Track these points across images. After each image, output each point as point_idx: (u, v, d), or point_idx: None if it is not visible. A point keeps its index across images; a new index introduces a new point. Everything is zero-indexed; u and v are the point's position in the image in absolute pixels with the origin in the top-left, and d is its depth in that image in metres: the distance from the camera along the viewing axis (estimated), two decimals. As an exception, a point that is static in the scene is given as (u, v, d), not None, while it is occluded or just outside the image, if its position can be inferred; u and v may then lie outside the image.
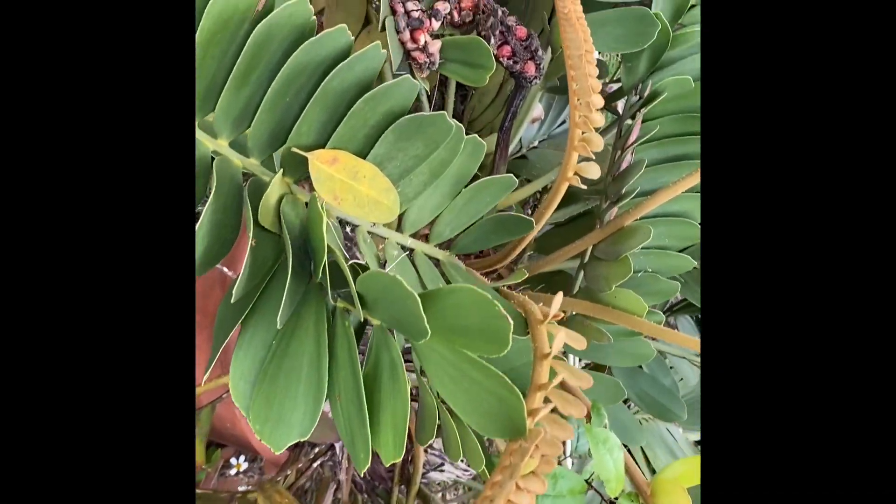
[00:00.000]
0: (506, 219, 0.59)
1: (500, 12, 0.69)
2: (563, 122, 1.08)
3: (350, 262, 0.45)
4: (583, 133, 0.58)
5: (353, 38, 0.43)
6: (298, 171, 0.46)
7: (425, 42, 0.66)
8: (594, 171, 0.60)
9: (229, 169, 0.44)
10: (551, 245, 0.88)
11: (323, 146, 0.46)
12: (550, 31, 0.85)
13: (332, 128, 0.45)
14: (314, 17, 0.41)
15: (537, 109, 1.03)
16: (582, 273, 0.83)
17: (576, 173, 0.62)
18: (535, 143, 1.03)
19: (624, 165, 0.77)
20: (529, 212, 1.07)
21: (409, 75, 0.46)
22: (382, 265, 0.50)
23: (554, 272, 0.82)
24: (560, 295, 0.52)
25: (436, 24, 0.68)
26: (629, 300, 0.75)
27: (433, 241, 0.57)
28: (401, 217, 0.54)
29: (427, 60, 0.67)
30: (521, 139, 1.02)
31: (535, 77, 0.70)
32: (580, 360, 0.96)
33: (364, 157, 0.47)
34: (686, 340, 0.67)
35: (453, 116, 0.93)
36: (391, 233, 0.54)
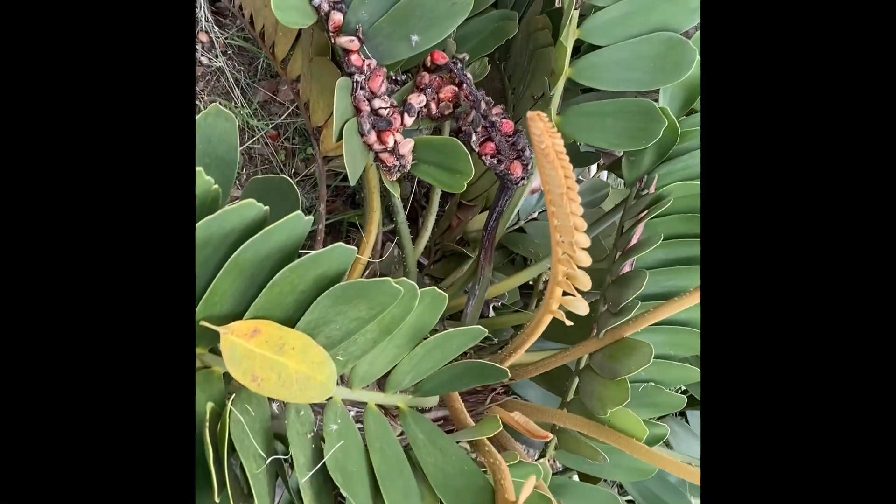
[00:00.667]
0: (476, 367, 0.51)
1: (483, 104, 0.61)
2: (567, 190, 0.99)
3: (270, 460, 0.37)
4: (566, 270, 0.49)
5: (266, 209, 0.35)
6: (215, 340, 0.38)
7: (395, 143, 0.58)
8: (582, 308, 0.52)
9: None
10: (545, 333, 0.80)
11: (241, 315, 0.38)
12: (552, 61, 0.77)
13: (252, 295, 0.37)
14: (215, 187, 0.34)
15: (536, 179, 0.94)
16: (577, 381, 0.75)
17: (561, 306, 0.54)
18: (535, 215, 0.95)
19: (625, 269, 0.68)
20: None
21: (341, 243, 0.38)
22: (320, 441, 0.42)
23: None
24: (532, 480, 0.44)
25: (409, 121, 0.60)
26: (628, 421, 0.67)
27: (390, 389, 0.49)
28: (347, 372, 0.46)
29: (397, 164, 0.59)
30: (518, 211, 0.94)
31: (522, 178, 0.62)
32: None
33: (294, 324, 0.39)
34: (688, 473, 0.59)
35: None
36: (337, 389, 0.46)
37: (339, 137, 0.52)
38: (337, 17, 0.56)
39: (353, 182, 0.53)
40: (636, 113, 0.61)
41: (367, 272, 0.81)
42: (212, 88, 0.93)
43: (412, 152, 0.60)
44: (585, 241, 0.47)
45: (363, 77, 0.56)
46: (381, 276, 0.85)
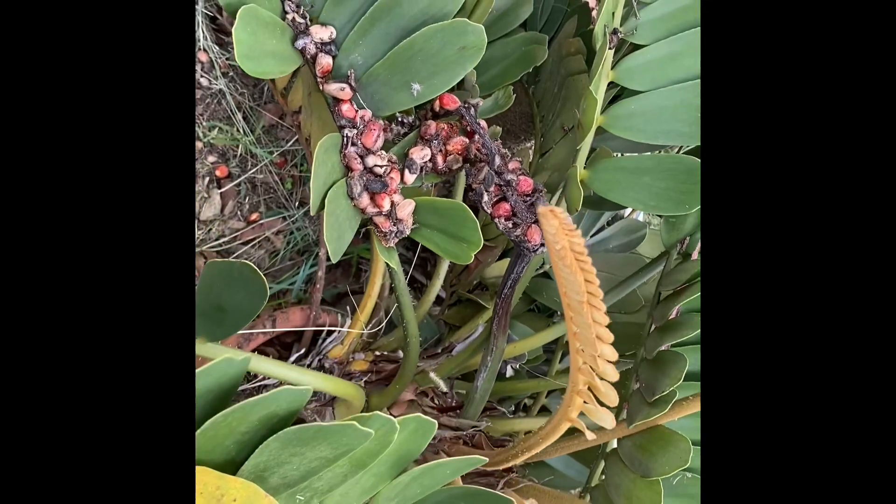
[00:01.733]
0: (477, 494, 0.42)
1: (497, 159, 0.52)
2: (599, 230, 0.90)
3: None
4: (588, 381, 0.41)
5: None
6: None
7: (392, 205, 0.50)
8: (607, 420, 0.43)
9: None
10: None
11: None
12: (581, 112, 0.68)
13: (184, 436, 0.29)
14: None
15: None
16: (602, 464, 0.66)
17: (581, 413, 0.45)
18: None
19: (663, 346, 0.59)
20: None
21: (287, 387, 0.30)
22: None
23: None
24: None
25: (410, 178, 0.52)
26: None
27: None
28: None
29: (394, 229, 0.50)
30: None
31: (541, 246, 0.53)
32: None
33: (236, 470, 0.32)
34: None
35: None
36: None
37: (320, 208, 0.44)
38: (325, 62, 0.48)
39: (334, 259, 0.45)
40: (679, 171, 0.52)
41: (369, 326, 0.73)
42: (212, 112, 0.86)
43: (412, 215, 0.51)
44: (612, 354, 0.38)
45: (355, 131, 0.48)
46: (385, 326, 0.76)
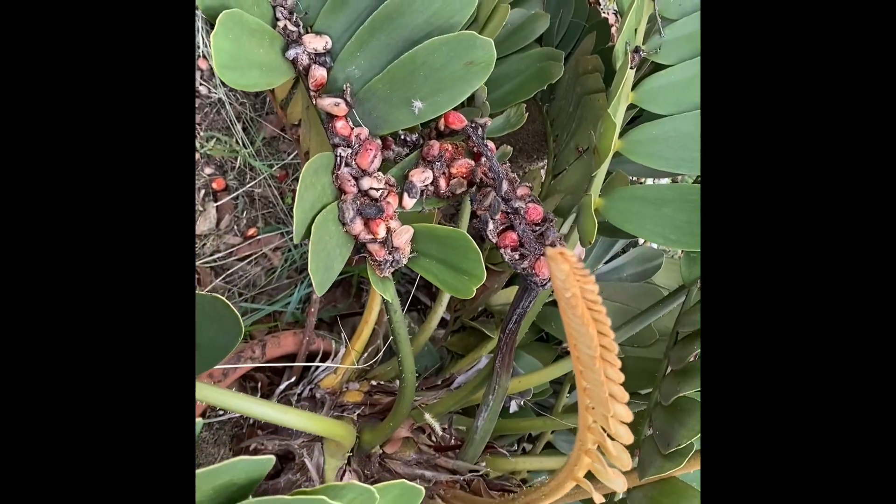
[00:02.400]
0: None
1: (504, 185, 0.48)
2: (613, 257, 0.85)
3: None
4: (598, 440, 0.36)
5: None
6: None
7: (388, 232, 0.46)
8: (618, 485, 0.38)
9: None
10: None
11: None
12: (598, 136, 0.64)
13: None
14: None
15: (577, 249, 0.80)
16: (609, 516, 0.61)
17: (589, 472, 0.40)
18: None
19: (692, 358, 0.54)
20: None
21: (244, 457, 0.25)
22: None
23: None
24: None
25: (410, 203, 0.48)
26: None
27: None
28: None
29: (389, 258, 0.46)
30: (553, 282, 0.80)
31: (550, 280, 0.49)
32: None
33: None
34: None
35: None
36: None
37: (305, 235, 0.40)
38: (319, 74, 0.43)
39: (320, 293, 0.40)
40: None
41: (364, 355, 0.69)
42: (211, 122, 0.82)
43: (410, 242, 0.47)
44: (626, 414, 0.33)
45: (350, 151, 0.44)
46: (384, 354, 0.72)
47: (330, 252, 0.42)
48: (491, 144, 0.50)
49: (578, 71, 0.79)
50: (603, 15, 0.91)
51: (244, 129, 0.85)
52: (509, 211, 0.48)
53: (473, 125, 0.50)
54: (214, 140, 0.82)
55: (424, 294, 0.98)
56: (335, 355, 0.69)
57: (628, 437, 0.34)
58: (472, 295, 0.46)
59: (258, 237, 0.87)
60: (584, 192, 0.52)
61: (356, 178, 0.45)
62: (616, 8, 1.14)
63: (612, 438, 0.35)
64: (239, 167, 0.85)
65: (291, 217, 0.91)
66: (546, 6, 0.86)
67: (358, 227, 0.45)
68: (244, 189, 0.86)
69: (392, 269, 0.47)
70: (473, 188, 0.50)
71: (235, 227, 0.87)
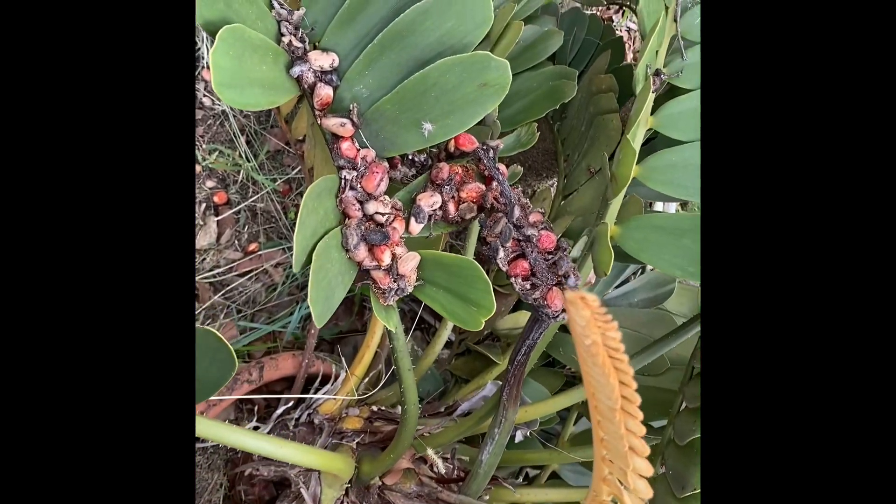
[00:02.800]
0: None
1: (516, 210, 0.46)
2: (624, 281, 0.82)
3: None
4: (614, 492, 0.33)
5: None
6: None
7: (393, 259, 0.43)
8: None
9: None
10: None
11: None
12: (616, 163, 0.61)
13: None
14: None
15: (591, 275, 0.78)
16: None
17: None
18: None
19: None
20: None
21: None
22: None
23: None
24: None
25: (417, 228, 0.45)
26: None
27: None
28: None
29: (394, 286, 0.44)
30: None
31: (563, 312, 0.46)
32: None
33: None
34: None
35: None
36: None
37: (306, 263, 0.37)
38: (325, 93, 0.41)
39: (319, 325, 0.38)
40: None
41: (365, 381, 0.66)
42: (214, 135, 0.81)
43: (416, 270, 0.45)
44: (647, 468, 0.31)
45: (355, 174, 0.42)
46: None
47: (331, 280, 0.40)
48: (503, 168, 0.48)
49: (592, 90, 0.77)
50: (618, 32, 0.89)
51: (248, 143, 0.83)
52: (521, 238, 0.46)
53: (485, 147, 0.48)
54: (217, 153, 0.80)
55: (429, 314, 0.95)
56: (335, 379, 0.66)
57: (647, 492, 0.32)
58: (479, 327, 0.43)
59: (259, 252, 0.85)
60: (597, 217, 0.50)
61: (361, 203, 0.43)
62: (629, 25, 1.12)
63: (633, 494, 0.33)
64: (241, 181, 0.83)
65: (294, 232, 0.89)
66: (559, 23, 0.85)
67: (362, 253, 0.42)
68: (246, 203, 0.84)
69: (396, 298, 0.44)
70: (483, 213, 0.48)
71: (236, 241, 0.85)
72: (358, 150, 0.42)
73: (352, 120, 0.42)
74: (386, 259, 0.43)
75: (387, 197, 0.44)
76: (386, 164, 0.43)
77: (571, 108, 0.83)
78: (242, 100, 0.36)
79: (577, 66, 0.85)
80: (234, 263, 0.84)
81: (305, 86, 0.41)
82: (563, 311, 0.46)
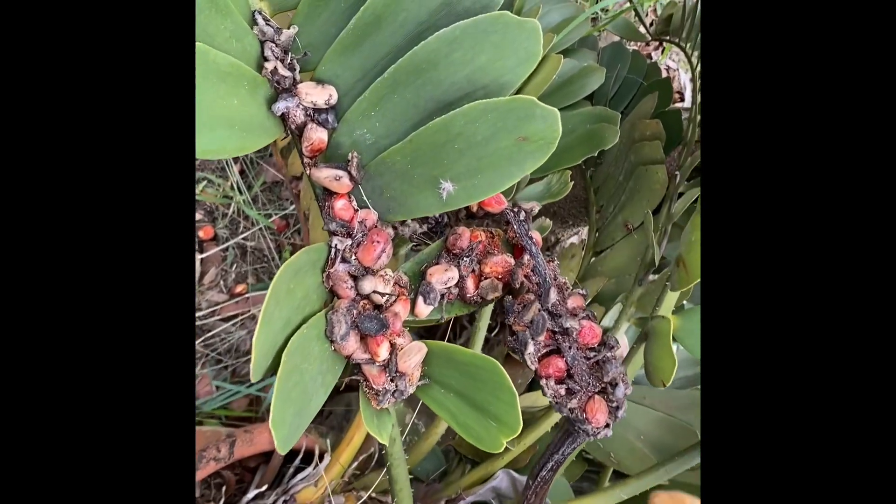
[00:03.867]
0: None
1: (552, 294, 0.36)
2: (658, 354, 0.72)
3: None
4: None
5: None
6: None
7: (391, 352, 0.34)
8: None
9: None
10: None
11: None
12: (665, 230, 0.52)
13: None
14: None
15: (622, 342, 0.68)
16: None
17: None
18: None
19: None
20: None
21: None
22: None
23: None
24: None
25: (424, 311, 0.36)
26: None
27: None
28: None
29: (390, 388, 0.34)
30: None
31: (607, 428, 0.36)
32: None
33: None
34: None
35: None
36: None
37: (270, 370, 0.28)
38: (317, 136, 0.32)
39: (283, 451, 0.28)
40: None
41: (356, 461, 0.56)
42: (202, 162, 0.71)
43: (421, 365, 0.35)
44: None
45: (350, 242, 0.32)
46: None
47: (308, 385, 0.30)
48: (536, 236, 0.39)
49: (634, 136, 0.68)
50: (664, 75, 0.80)
51: (241, 172, 0.74)
52: (557, 330, 0.36)
53: (516, 209, 0.39)
54: (205, 182, 0.70)
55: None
56: (320, 459, 0.56)
57: None
58: (499, 448, 0.33)
59: (247, 295, 0.75)
60: (652, 308, 0.40)
61: (356, 279, 0.33)
62: (669, 63, 1.03)
63: None
64: (231, 215, 0.74)
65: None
66: (600, 58, 0.76)
67: (351, 345, 0.33)
68: (236, 240, 0.74)
69: (393, 402, 0.34)
70: (509, 294, 0.38)
71: (222, 282, 0.75)
72: (356, 212, 0.33)
73: (350, 173, 0.32)
74: (382, 353, 0.33)
75: (389, 271, 0.34)
76: (390, 230, 0.34)
77: (608, 154, 0.74)
78: (202, 145, 0.26)
79: (615, 106, 0.76)
80: (218, 307, 0.74)
81: (293, 126, 0.32)
82: (607, 426, 0.36)
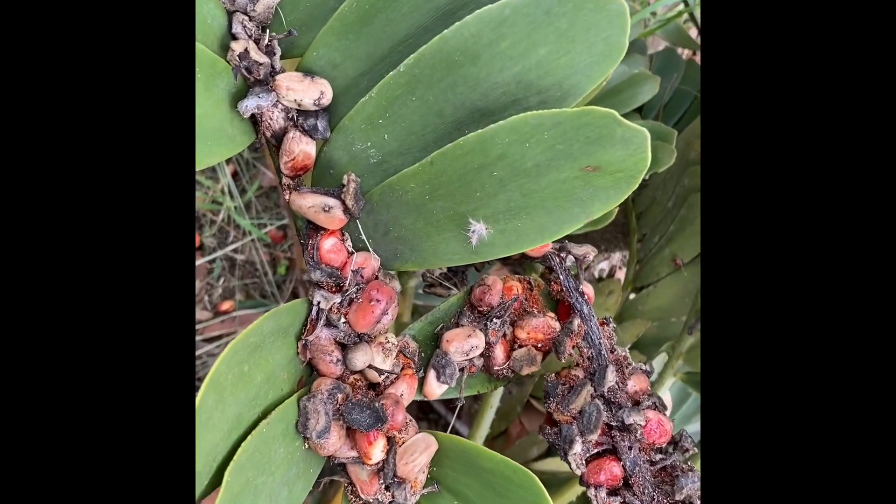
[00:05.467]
0: None
1: (609, 375, 0.27)
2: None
3: None
4: None
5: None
6: None
7: (388, 450, 0.24)
8: None
9: None
10: None
11: None
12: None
13: None
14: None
15: (665, 398, 0.58)
16: None
17: None
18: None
19: None
20: None
21: None
22: None
23: None
24: None
25: (437, 390, 0.26)
26: None
27: None
28: None
29: (384, 500, 0.25)
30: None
31: (673, 560, 0.27)
32: None
33: None
34: None
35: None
36: None
37: (208, 488, 0.18)
38: (301, 150, 0.23)
39: None
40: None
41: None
42: (192, 162, 0.61)
43: (428, 467, 0.26)
44: None
45: (338, 299, 0.23)
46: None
47: (266, 507, 0.21)
48: (589, 291, 0.29)
49: (689, 157, 0.59)
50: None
51: (234, 175, 0.65)
52: (614, 424, 0.27)
53: (563, 255, 0.29)
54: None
55: (439, 403, 0.75)
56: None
57: None
58: None
59: (234, 314, 0.67)
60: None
61: (345, 349, 0.24)
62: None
63: None
64: (220, 223, 0.65)
65: (282, 291, 0.70)
66: (652, 66, 0.66)
67: (333, 443, 0.23)
68: (224, 251, 0.65)
69: (388, 515, 0.25)
70: (556, 375, 0.29)
71: (206, 297, 0.67)
72: (350, 256, 0.24)
73: (344, 203, 0.23)
74: (376, 454, 0.24)
75: (391, 337, 0.25)
76: (397, 284, 0.24)
77: (656, 175, 0.64)
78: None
79: (667, 121, 0.66)
80: (201, 325, 0.65)
81: (268, 133, 0.23)
82: (674, 558, 0.27)
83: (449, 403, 0.70)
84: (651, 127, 0.56)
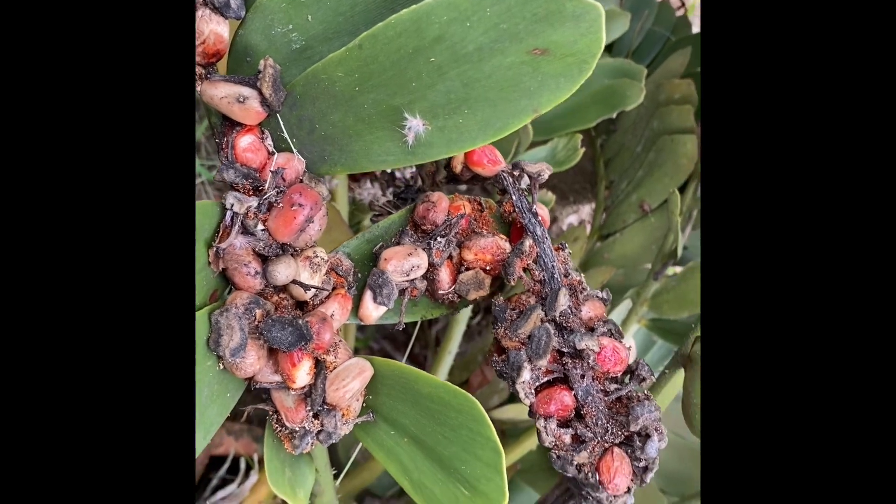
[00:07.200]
0: None
1: (562, 299, 0.25)
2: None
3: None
4: None
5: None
6: None
7: (316, 373, 0.22)
8: None
9: None
10: None
11: None
12: (690, 214, 0.42)
13: None
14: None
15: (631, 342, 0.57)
16: None
17: None
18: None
19: None
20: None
21: None
22: None
23: None
24: None
25: (374, 313, 0.24)
26: None
27: None
28: None
29: (312, 428, 0.22)
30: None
31: (627, 493, 0.25)
32: None
33: None
34: None
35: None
36: None
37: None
38: (211, 30, 0.20)
39: None
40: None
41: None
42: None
43: (363, 394, 0.23)
44: None
45: (255, 202, 0.20)
46: None
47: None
48: (543, 212, 0.27)
49: (659, 99, 0.56)
50: (695, 30, 0.68)
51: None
52: (566, 350, 0.25)
53: (516, 172, 0.27)
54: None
55: (392, 348, 0.73)
56: (246, 474, 0.45)
57: None
58: (472, 526, 0.22)
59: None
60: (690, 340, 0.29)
61: (265, 260, 0.21)
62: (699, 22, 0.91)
63: None
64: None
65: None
66: (622, 3, 0.63)
67: (251, 363, 0.21)
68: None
69: (314, 446, 0.23)
70: (499, 293, 0.26)
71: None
72: (270, 156, 0.21)
73: (262, 93, 0.20)
74: (301, 376, 0.21)
75: (320, 251, 0.22)
76: (323, 188, 0.22)
77: (625, 119, 0.62)
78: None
79: (641, 58, 0.63)
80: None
81: None
82: (629, 491, 0.25)
83: (402, 348, 0.68)
84: (620, 65, 0.53)
